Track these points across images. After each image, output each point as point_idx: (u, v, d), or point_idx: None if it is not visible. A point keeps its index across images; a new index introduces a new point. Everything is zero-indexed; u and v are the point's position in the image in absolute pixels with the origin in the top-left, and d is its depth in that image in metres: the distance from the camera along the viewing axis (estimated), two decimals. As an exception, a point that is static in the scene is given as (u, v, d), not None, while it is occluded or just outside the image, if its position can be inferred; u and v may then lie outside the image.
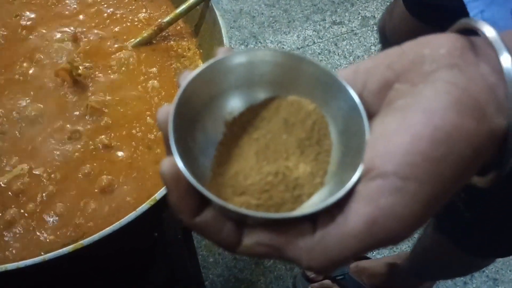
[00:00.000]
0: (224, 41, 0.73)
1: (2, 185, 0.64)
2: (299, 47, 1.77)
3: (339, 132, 0.31)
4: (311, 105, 0.31)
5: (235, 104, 0.33)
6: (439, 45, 0.28)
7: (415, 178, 0.25)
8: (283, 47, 1.75)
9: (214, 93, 0.32)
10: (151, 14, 0.85)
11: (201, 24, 0.81)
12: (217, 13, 0.75)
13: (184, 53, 0.81)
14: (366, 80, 0.29)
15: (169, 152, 0.28)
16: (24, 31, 0.80)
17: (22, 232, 0.61)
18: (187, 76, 0.30)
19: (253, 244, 0.28)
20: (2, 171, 0.65)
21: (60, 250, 0.53)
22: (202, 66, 0.31)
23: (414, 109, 0.26)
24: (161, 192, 0.59)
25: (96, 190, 0.65)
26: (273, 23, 1.83)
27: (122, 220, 0.56)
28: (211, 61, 0.31)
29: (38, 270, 0.53)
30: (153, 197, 0.58)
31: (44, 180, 0.65)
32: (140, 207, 0.57)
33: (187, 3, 0.78)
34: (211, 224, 0.28)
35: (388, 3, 1.87)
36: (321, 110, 0.31)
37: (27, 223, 0.62)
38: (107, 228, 0.55)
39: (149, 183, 0.67)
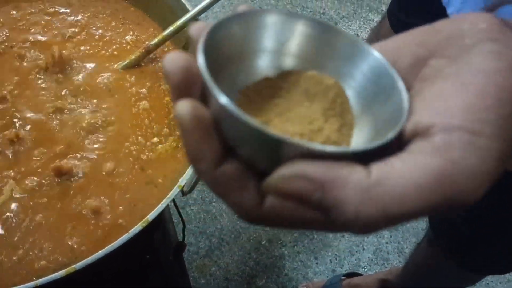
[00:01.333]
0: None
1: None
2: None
3: (363, 105, 0.29)
4: (331, 79, 0.29)
5: (251, 69, 0.30)
6: (478, 20, 0.27)
7: (486, 133, 0.23)
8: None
9: (230, 51, 0.29)
10: (138, 37, 0.86)
11: (189, 45, 0.82)
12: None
13: (173, 75, 0.81)
14: (395, 58, 0.28)
15: (183, 95, 0.25)
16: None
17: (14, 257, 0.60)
18: (209, 25, 0.26)
19: (288, 180, 0.23)
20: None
21: (53, 275, 0.52)
22: (224, 17, 0.27)
23: (470, 72, 0.25)
24: (153, 214, 0.58)
25: (87, 213, 0.64)
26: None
27: (114, 242, 0.56)
28: (232, 15, 0.28)
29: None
30: (146, 218, 0.58)
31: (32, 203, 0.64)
32: (133, 229, 0.57)
33: (174, 26, 0.79)
34: (234, 178, 0.25)
35: (371, 22, 1.90)
36: (341, 85, 0.29)
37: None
38: (100, 251, 0.55)
39: (141, 204, 0.67)
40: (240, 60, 0.29)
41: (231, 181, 0.24)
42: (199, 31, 0.26)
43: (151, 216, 0.58)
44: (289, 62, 0.30)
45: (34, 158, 0.68)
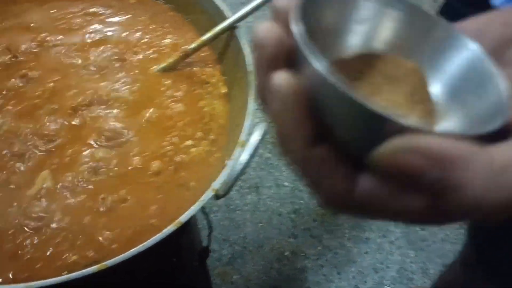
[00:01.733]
0: (248, 69, 0.74)
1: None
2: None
3: (450, 93, 0.27)
4: (411, 64, 0.28)
5: (338, 47, 0.28)
6: None
7: None
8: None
9: (320, 25, 0.27)
10: (176, 41, 0.86)
11: (226, 51, 0.82)
12: (241, 41, 0.76)
13: (208, 80, 0.82)
14: (477, 38, 0.26)
15: (275, 68, 0.23)
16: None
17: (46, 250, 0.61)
18: None
19: (402, 153, 0.20)
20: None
21: (84, 270, 0.52)
22: None
23: None
24: (186, 216, 0.58)
25: (120, 211, 0.65)
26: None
27: (146, 242, 0.56)
28: None
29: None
30: (178, 220, 0.58)
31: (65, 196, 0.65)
32: (166, 230, 0.57)
33: (213, 31, 0.79)
34: (326, 161, 0.23)
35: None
36: (423, 71, 0.28)
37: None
38: (132, 250, 0.55)
39: (172, 207, 0.67)
40: (328, 36, 0.28)
41: (323, 164, 0.23)
42: (285, 2, 0.25)
43: (183, 218, 0.58)
44: (376, 43, 0.29)
45: (70, 150, 0.69)
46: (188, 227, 0.85)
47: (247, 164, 0.58)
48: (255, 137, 0.60)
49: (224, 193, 0.61)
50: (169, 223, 0.64)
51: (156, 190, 0.68)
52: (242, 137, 0.66)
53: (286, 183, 1.43)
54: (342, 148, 0.23)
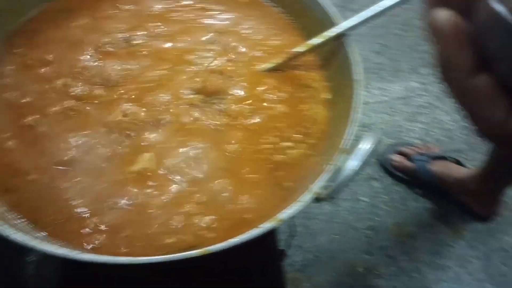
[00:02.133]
0: (354, 77, 0.73)
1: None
2: (403, 97, 1.74)
3: None
4: None
5: None
6: None
7: None
8: (386, 95, 1.74)
9: None
10: (283, 43, 0.87)
11: (332, 58, 0.82)
12: (351, 50, 0.76)
13: (311, 84, 0.82)
14: None
15: (441, 5, 0.25)
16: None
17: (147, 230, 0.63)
18: None
19: None
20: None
21: (187, 253, 0.54)
22: None
23: None
24: (286, 215, 0.59)
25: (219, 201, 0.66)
26: (379, 70, 1.82)
27: (244, 235, 0.57)
28: None
29: (152, 268, 0.54)
30: (278, 217, 0.58)
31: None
32: (265, 225, 0.58)
33: (323, 37, 0.80)
34: (486, 91, 0.24)
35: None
36: None
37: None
38: (233, 239, 0.56)
39: (268, 203, 0.68)
40: None
41: (482, 94, 0.24)
42: None
43: (284, 216, 0.58)
44: None
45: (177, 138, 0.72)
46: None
47: (357, 172, 0.58)
48: (366, 145, 0.59)
49: (327, 197, 0.60)
50: (263, 220, 0.65)
51: (253, 185, 0.69)
52: (346, 144, 0.65)
53: (364, 198, 1.41)
54: (503, 81, 0.24)
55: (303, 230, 1.34)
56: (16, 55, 0.80)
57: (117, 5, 0.89)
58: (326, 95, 0.81)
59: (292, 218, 0.89)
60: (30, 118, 0.72)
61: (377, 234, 1.36)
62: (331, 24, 0.81)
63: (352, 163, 0.60)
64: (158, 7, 0.90)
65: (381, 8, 0.77)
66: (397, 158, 1.45)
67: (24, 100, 0.74)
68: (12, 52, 0.80)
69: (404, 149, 1.45)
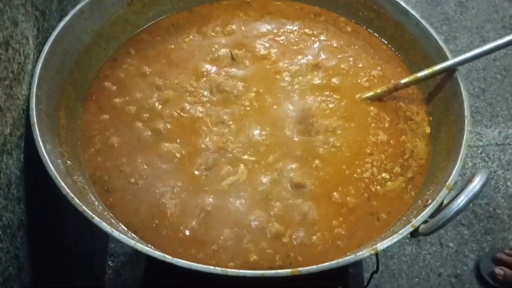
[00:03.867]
0: (466, 114, 0.70)
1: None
2: (499, 143, 1.65)
3: None
4: None
5: None
6: None
7: None
8: (481, 140, 1.66)
9: None
10: (385, 73, 0.86)
11: (437, 92, 0.80)
12: (461, 85, 0.73)
13: (412, 117, 0.80)
14: None
15: None
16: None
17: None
18: None
19: None
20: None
21: (280, 271, 0.53)
22: None
23: None
24: (382, 245, 0.57)
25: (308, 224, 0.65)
26: (475, 113, 1.75)
27: (334, 261, 0.55)
28: None
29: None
30: (375, 247, 0.56)
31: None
32: (360, 253, 0.56)
33: (431, 70, 0.77)
34: None
35: None
36: None
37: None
38: (324, 264, 0.55)
39: (360, 233, 0.66)
40: None
41: None
42: None
43: (380, 246, 0.56)
44: None
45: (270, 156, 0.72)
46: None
47: (461, 210, 0.55)
48: (475, 184, 0.56)
49: (427, 232, 0.58)
50: (354, 248, 0.63)
51: (348, 212, 0.67)
52: (450, 181, 0.62)
53: (451, 244, 1.34)
54: None
55: (383, 269, 1.29)
56: (128, 64, 0.84)
57: (223, 25, 0.92)
58: (428, 130, 0.78)
59: (376, 253, 0.86)
60: (139, 124, 0.75)
61: (463, 284, 1.28)
62: (437, 58, 0.79)
63: (458, 201, 0.56)
64: (263, 30, 0.92)
65: (492, 46, 0.74)
66: (500, 271, 1.26)
67: (132, 107, 0.78)
68: (125, 61, 0.84)
69: (505, 257, 1.28)
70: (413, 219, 0.60)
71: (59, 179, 0.58)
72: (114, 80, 0.81)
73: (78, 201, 0.57)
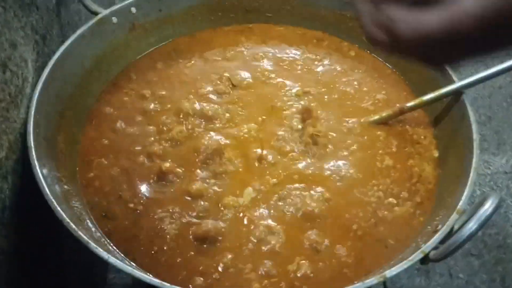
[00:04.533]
0: (474, 137, 0.69)
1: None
2: (507, 171, 1.63)
3: None
4: None
5: None
6: None
7: None
8: (489, 168, 1.63)
9: None
10: (390, 97, 0.84)
11: (444, 116, 0.78)
12: (469, 108, 0.72)
13: (419, 140, 0.78)
14: None
15: None
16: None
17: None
18: None
19: None
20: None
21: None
22: None
23: None
24: (391, 272, 0.54)
25: (318, 250, 0.63)
26: (482, 141, 1.72)
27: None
28: None
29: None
30: (383, 274, 0.54)
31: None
32: (368, 281, 0.53)
33: (437, 93, 0.76)
34: None
35: None
36: None
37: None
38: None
39: (368, 260, 0.63)
40: None
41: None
42: None
43: (389, 273, 0.54)
44: None
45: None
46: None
47: (473, 235, 0.53)
48: (487, 208, 0.54)
49: (438, 259, 0.55)
50: (361, 276, 0.61)
51: (355, 239, 0.65)
52: (461, 205, 0.60)
53: (461, 275, 1.30)
54: None
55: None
56: (128, 88, 0.83)
57: (224, 51, 0.91)
58: (435, 153, 0.76)
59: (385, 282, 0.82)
60: (139, 148, 0.74)
61: (473, 317, 1.24)
62: (443, 81, 0.77)
63: (469, 225, 0.54)
64: (267, 54, 0.91)
65: (499, 68, 0.72)
66: None
67: (132, 132, 0.76)
68: (125, 85, 0.83)
69: None
70: (423, 245, 0.58)
71: (55, 203, 0.57)
72: (114, 105, 0.80)
73: (73, 226, 0.55)
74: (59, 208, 0.56)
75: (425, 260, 0.57)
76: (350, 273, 0.61)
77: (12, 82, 0.61)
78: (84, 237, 0.54)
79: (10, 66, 0.60)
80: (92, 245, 0.54)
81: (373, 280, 0.53)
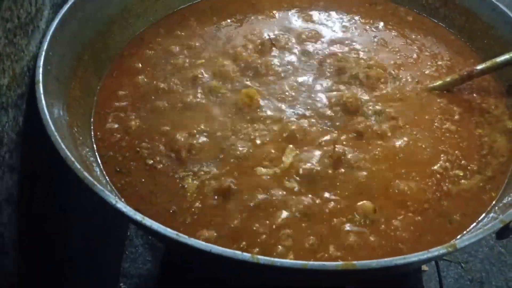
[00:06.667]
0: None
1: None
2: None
3: None
4: None
5: None
6: None
7: None
8: None
9: None
10: (453, 64, 0.74)
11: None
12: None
13: (490, 110, 0.67)
14: None
15: None
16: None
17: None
18: None
19: None
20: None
21: (328, 263, 0.40)
22: None
23: None
24: (463, 241, 0.43)
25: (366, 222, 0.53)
26: None
27: (404, 256, 0.42)
28: None
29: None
30: (453, 243, 0.43)
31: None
32: (433, 249, 0.42)
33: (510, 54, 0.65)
34: None
35: None
36: None
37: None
38: (385, 259, 0.42)
39: (428, 236, 0.52)
40: None
41: None
42: None
43: (460, 243, 0.43)
44: None
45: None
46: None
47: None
48: None
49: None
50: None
51: (415, 213, 0.54)
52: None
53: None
54: None
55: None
56: (156, 43, 0.75)
57: (268, 10, 0.82)
58: (508, 124, 0.65)
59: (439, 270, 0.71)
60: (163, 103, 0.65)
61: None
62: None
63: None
64: (311, 18, 0.81)
65: None
66: None
67: (161, 85, 0.68)
68: (153, 40, 0.75)
69: None
70: (500, 216, 0.47)
71: (59, 139, 0.48)
72: (139, 59, 0.72)
73: (78, 166, 0.46)
74: (63, 145, 0.48)
75: (503, 232, 0.46)
76: (406, 249, 0.50)
77: (23, 5, 0.53)
78: (90, 178, 0.45)
79: (20, -14, 0.52)
80: (98, 187, 0.45)
81: (440, 249, 0.42)
